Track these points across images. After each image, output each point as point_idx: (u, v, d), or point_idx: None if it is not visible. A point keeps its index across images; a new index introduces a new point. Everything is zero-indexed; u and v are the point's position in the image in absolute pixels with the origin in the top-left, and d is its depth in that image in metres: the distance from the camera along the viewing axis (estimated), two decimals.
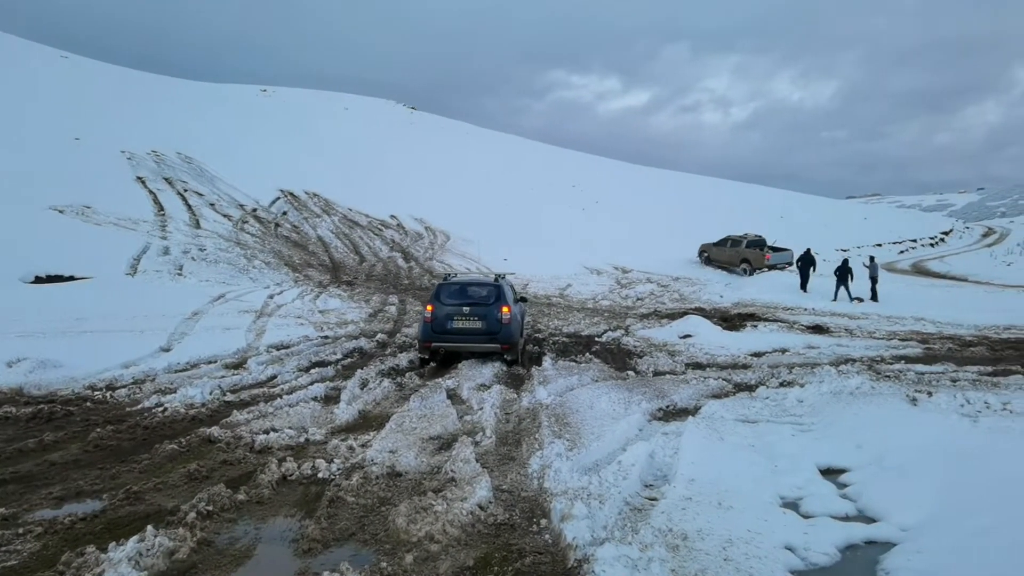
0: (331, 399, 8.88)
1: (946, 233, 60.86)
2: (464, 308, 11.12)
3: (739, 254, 29.49)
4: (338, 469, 6.04)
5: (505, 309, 11.10)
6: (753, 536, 4.30)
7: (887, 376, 10.49)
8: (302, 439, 7.02)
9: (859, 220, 62.20)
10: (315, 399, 8.83)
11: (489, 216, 39.82)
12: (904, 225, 62.69)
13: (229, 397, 8.89)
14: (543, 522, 4.75)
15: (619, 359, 12.60)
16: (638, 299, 23.20)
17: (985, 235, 61.82)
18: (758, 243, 29.33)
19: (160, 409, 7.98)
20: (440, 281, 11.94)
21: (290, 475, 5.88)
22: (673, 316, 17.94)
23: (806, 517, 4.93)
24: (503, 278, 12.28)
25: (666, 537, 4.26)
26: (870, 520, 4.90)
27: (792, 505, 5.23)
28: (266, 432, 7.11)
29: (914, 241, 53.21)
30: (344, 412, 8.04)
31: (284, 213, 31.54)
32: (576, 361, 12.11)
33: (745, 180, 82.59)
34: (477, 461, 6.03)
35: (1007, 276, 33.59)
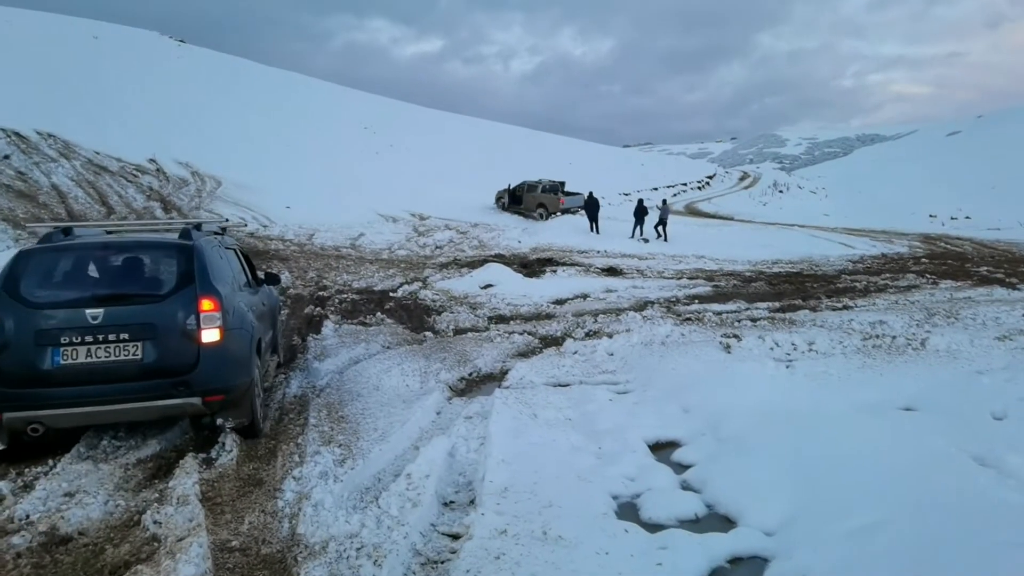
0: None
1: (710, 177, 67.06)
2: (90, 312, 4.51)
3: (535, 199, 29.39)
4: None
5: (207, 304, 4.70)
6: None
7: (688, 318, 10.17)
8: None
9: (637, 166, 66.30)
10: None
11: (269, 159, 35.69)
12: (675, 171, 67.94)
13: None
14: None
15: (416, 317, 11.11)
16: (437, 247, 21.96)
17: (742, 179, 69.19)
18: (553, 188, 29.44)
19: None
20: (28, 246, 5.17)
21: None
22: (473, 264, 16.85)
23: (652, 529, 3.77)
24: (212, 231, 6.01)
25: None
26: (726, 521, 3.89)
27: (631, 509, 4.09)
28: None
29: (684, 185, 57.81)
30: None
31: (6, 157, 25.26)
32: (365, 324, 10.35)
33: (536, 128, 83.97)
34: (201, 498, 4.06)
35: (765, 214, 37.61)
